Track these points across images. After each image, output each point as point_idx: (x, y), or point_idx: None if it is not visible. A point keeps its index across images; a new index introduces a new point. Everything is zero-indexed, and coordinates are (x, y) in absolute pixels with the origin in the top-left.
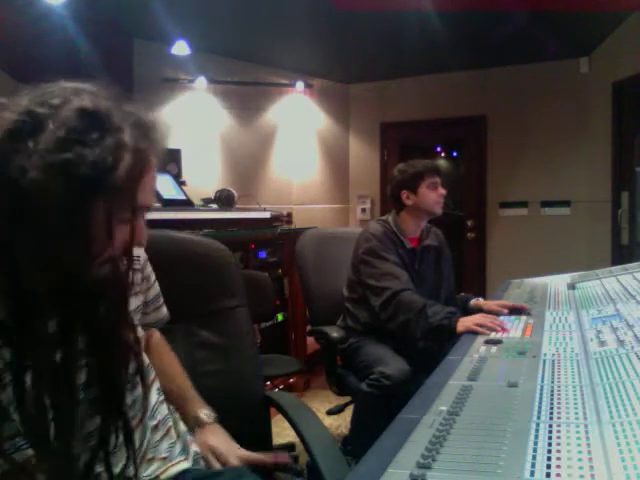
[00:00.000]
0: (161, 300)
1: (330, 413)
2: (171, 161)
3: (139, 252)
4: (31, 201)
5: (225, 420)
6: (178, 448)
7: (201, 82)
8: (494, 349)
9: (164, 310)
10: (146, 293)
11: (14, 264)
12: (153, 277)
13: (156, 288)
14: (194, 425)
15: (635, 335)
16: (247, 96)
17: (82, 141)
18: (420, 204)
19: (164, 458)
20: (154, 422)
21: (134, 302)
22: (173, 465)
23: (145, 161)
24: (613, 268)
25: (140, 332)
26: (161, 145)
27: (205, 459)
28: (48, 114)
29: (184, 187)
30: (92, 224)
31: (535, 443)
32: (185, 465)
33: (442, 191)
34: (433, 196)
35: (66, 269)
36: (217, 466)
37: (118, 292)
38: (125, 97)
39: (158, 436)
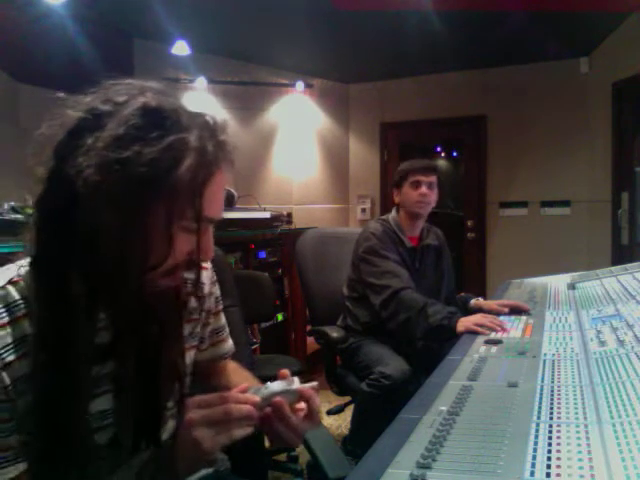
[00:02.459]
0: (224, 333)
1: (330, 413)
2: None
3: (205, 279)
4: (85, 200)
5: None
6: None
7: (201, 82)
8: (494, 349)
9: (227, 345)
10: (203, 328)
11: (65, 268)
12: (220, 306)
13: (220, 321)
14: None
15: (635, 335)
16: (247, 96)
17: (141, 138)
18: (403, 202)
19: None
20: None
21: (187, 328)
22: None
23: (212, 165)
24: (613, 268)
25: (189, 358)
26: (231, 153)
27: None
28: (111, 111)
29: None
30: (151, 227)
31: (535, 443)
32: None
33: (423, 190)
34: (414, 195)
35: (121, 274)
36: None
37: (173, 309)
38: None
39: None
